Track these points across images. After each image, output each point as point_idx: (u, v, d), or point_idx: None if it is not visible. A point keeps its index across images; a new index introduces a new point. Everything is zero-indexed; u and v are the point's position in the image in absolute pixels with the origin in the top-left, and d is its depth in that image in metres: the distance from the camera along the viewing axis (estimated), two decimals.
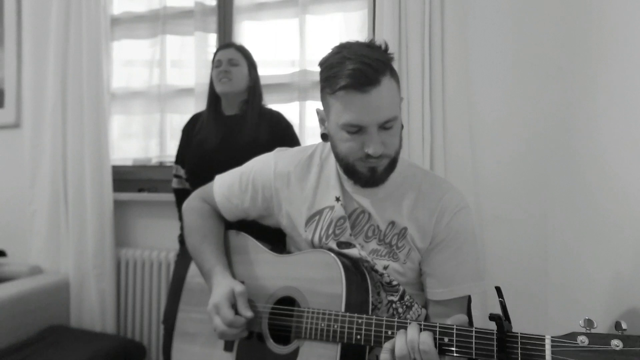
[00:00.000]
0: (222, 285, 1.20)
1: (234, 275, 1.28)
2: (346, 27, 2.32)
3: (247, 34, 2.43)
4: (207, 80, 2.03)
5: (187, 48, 2.53)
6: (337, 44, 1.14)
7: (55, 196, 2.46)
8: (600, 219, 1.39)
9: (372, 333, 1.05)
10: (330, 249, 1.21)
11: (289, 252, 1.35)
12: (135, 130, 2.67)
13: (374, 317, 1.06)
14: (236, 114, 1.93)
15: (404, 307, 1.21)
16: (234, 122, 1.90)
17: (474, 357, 0.93)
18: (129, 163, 2.63)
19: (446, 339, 0.96)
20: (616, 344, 0.80)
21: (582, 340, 0.83)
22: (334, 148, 1.18)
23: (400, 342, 0.96)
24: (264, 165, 1.35)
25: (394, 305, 1.21)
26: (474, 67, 1.98)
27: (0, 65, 2.75)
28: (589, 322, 0.83)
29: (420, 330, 0.97)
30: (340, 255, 1.18)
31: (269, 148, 1.41)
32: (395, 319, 1.04)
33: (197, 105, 2.36)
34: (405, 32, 1.96)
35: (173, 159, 2.11)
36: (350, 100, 1.06)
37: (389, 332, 1.03)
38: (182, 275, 1.48)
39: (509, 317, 0.92)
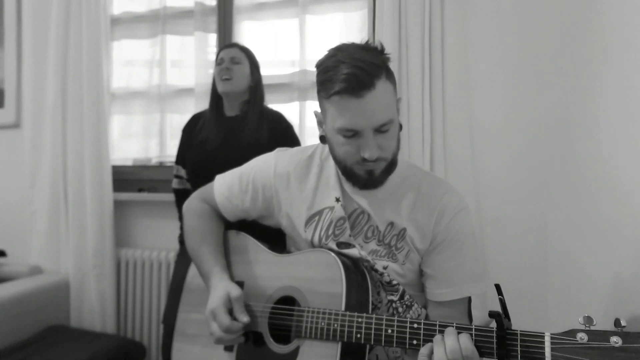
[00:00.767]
0: (219, 289, 1.20)
1: (233, 276, 1.28)
2: (346, 27, 2.32)
3: (247, 34, 2.43)
4: (207, 80, 2.03)
5: (187, 48, 2.53)
6: (333, 46, 1.13)
7: (55, 196, 2.46)
8: (600, 219, 1.39)
9: (372, 332, 1.05)
10: (330, 249, 1.21)
11: (289, 252, 1.35)
12: (135, 130, 2.67)
13: (374, 315, 1.06)
14: (237, 114, 1.93)
15: (404, 306, 1.21)
16: (235, 123, 1.90)
17: None
18: (129, 163, 2.63)
19: None
20: (615, 340, 0.80)
21: (582, 337, 0.83)
22: (331, 151, 1.18)
23: (439, 352, 0.93)
24: (264, 166, 1.35)
25: (394, 305, 1.21)
26: (474, 67, 1.98)
27: (0, 65, 2.75)
28: (589, 319, 0.83)
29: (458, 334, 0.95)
30: (340, 254, 1.18)
31: (269, 149, 1.41)
32: (396, 318, 1.04)
33: (197, 105, 2.36)
34: (405, 32, 1.96)
35: (173, 159, 2.11)
36: (345, 105, 1.06)
37: (389, 331, 1.03)
38: (182, 275, 1.48)
39: (509, 314, 0.92)
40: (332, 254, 1.16)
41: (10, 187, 2.72)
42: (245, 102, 1.93)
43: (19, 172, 2.62)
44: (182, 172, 2.03)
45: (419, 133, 1.94)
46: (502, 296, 0.93)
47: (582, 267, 1.52)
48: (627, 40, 1.26)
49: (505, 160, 1.96)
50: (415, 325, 1.01)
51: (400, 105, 1.19)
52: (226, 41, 2.39)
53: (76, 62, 2.42)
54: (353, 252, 1.20)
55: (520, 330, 0.89)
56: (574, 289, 1.61)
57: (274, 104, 2.10)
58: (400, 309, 1.21)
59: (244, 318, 1.17)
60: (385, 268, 1.20)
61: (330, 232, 1.23)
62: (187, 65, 2.53)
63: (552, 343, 0.85)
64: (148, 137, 2.63)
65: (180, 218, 1.83)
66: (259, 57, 2.00)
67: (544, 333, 0.87)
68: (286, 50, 2.37)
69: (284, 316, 1.20)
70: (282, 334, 1.19)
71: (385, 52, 1.13)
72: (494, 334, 0.91)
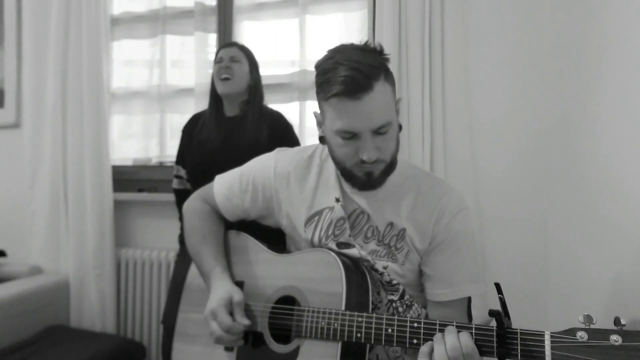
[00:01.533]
0: (220, 290, 1.20)
1: (234, 275, 1.28)
2: (346, 27, 2.32)
3: (247, 34, 2.43)
4: (207, 80, 2.03)
5: (187, 48, 2.53)
6: (332, 47, 1.13)
7: (55, 196, 2.46)
8: (600, 219, 1.39)
9: (373, 331, 1.05)
10: (330, 249, 1.21)
11: (289, 252, 1.35)
12: (135, 130, 2.67)
13: (374, 315, 1.06)
14: (237, 114, 1.93)
15: (404, 306, 1.21)
16: (235, 123, 1.90)
17: None
18: (129, 163, 2.63)
19: None
20: (615, 339, 0.80)
21: (582, 335, 0.83)
22: (330, 152, 1.18)
23: (440, 350, 0.93)
24: (264, 166, 1.35)
25: (394, 305, 1.21)
26: (474, 67, 1.98)
27: (0, 65, 2.75)
28: (588, 318, 0.83)
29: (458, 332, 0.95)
30: (340, 254, 1.18)
31: (269, 149, 1.42)
32: (396, 317, 1.04)
33: (197, 105, 2.36)
34: (405, 32, 1.96)
35: (173, 159, 2.11)
36: (343, 107, 1.06)
37: (389, 330, 1.03)
38: (182, 275, 1.48)
39: (509, 313, 0.92)
40: (332, 254, 1.17)
41: (10, 187, 2.71)
42: (244, 102, 1.93)
43: (19, 172, 2.61)
44: (182, 172, 2.03)
45: (419, 133, 1.94)
46: (502, 295, 0.93)
47: (582, 267, 1.52)
48: (627, 40, 1.26)
49: (505, 160, 1.96)
50: (416, 325, 1.01)
51: (400, 105, 1.19)
52: (226, 41, 2.38)
53: (76, 62, 2.42)
54: (353, 252, 1.20)
55: (521, 329, 0.89)
56: (574, 289, 1.61)
57: (274, 104, 2.10)
58: (400, 309, 1.21)
59: (245, 321, 1.17)
60: (385, 268, 1.20)
61: (330, 232, 1.24)
62: (187, 65, 2.53)
63: (552, 341, 0.85)
64: (148, 137, 2.62)
65: (181, 218, 1.83)
66: (259, 57, 2.00)
67: (544, 332, 0.87)
68: (286, 50, 2.37)
69: (284, 316, 1.20)
70: (283, 334, 1.19)
71: (385, 53, 1.13)
72: (494, 333, 0.91)
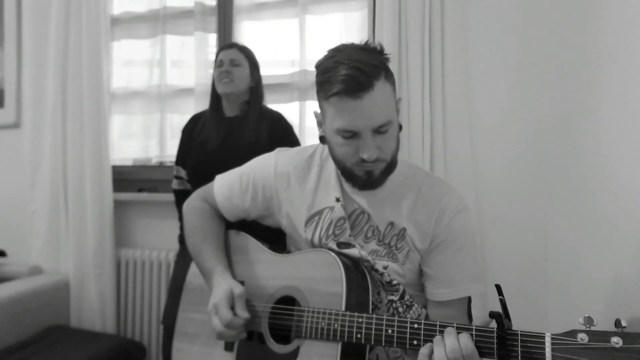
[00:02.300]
0: (222, 286, 1.20)
1: (234, 276, 1.28)
2: (346, 27, 2.32)
3: (247, 34, 2.43)
4: (207, 81, 2.03)
5: (187, 48, 2.53)
6: (333, 46, 1.13)
7: (55, 196, 2.46)
8: (600, 219, 1.39)
9: (373, 332, 1.05)
10: (331, 249, 1.21)
11: (289, 252, 1.35)
12: (135, 130, 2.67)
13: (374, 315, 1.06)
14: (237, 115, 1.93)
15: (404, 306, 1.21)
16: (235, 124, 1.90)
17: None
18: (129, 163, 2.63)
19: None
20: (616, 341, 0.80)
21: (582, 337, 0.83)
22: (331, 151, 1.18)
23: (439, 352, 0.93)
24: (265, 166, 1.35)
25: (394, 305, 1.21)
26: (474, 67, 1.98)
27: (0, 65, 2.75)
28: (589, 320, 0.83)
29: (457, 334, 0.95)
30: (340, 254, 1.18)
31: (269, 149, 1.42)
32: (396, 318, 1.04)
33: (197, 105, 2.36)
34: (405, 32, 1.96)
35: (173, 159, 2.11)
36: (343, 106, 1.06)
37: (389, 331, 1.03)
38: (182, 275, 1.48)
39: (509, 314, 0.92)
40: (332, 254, 1.16)
41: (10, 187, 2.71)
42: (245, 102, 1.93)
43: (19, 172, 2.61)
44: (183, 173, 2.03)
45: (419, 133, 1.94)
46: (503, 296, 0.93)
47: (582, 267, 1.52)
48: (627, 40, 1.26)
49: (506, 160, 1.96)
50: (416, 326, 1.01)
51: (400, 105, 1.19)
52: (226, 41, 2.39)
53: (76, 62, 2.42)
54: (353, 252, 1.20)
55: (521, 331, 0.89)
56: (574, 289, 1.61)
57: (274, 104, 2.10)
58: (400, 309, 1.21)
59: (244, 314, 1.17)
60: (385, 268, 1.20)
61: (330, 232, 1.24)
62: (187, 65, 2.53)
63: (552, 343, 0.85)
64: (148, 137, 2.62)
65: (180, 218, 1.83)
66: (259, 57, 2.00)
67: (544, 333, 0.87)
68: (286, 50, 2.37)
69: (284, 316, 1.20)
70: (283, 334, 1.19)
71: (385, 52, 1.13)
72: (495, 334, 0.91)
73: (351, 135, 1.09)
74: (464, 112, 1.95)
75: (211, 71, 1.96)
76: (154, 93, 2.56)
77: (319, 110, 1.19)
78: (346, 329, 1.07)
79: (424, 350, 0.96)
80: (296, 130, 1.99)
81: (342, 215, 1.23)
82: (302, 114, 2.28)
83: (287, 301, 1.22)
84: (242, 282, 1.28)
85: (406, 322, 1.02)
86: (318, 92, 1.13)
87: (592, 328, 0.83)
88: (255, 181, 1.34)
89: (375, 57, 1.09)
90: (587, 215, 1.50)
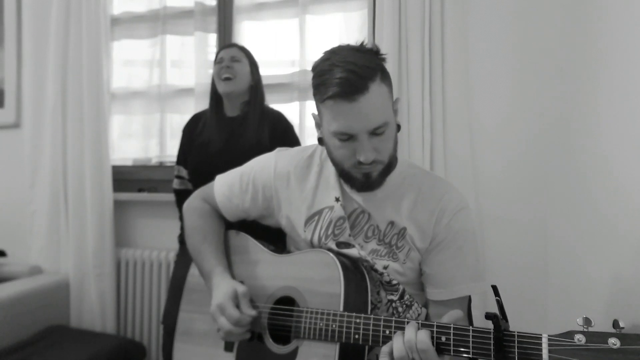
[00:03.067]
0: (224, 286, 1.20)
1: (233, 276, 1.28)
2: (346, 27, 2.32)
3: (247, 34, 2.43)
4: (207, 80, 2.03)
5: (187, 48, 2.53)
6: (329, 48, 1.13)
7: (55, 196, 2.46)
8: (600, 219, 1.39)
9: (370, 332, 1.05)
10: (330, 249, 1.21)
11: (288, 252, 1.35)
12: (135, 130, 2.67)
13: (372, 316, 1.06)
14: (238, 115, 1.93)
15: (404, 306, 1.21)
16: (236, 124, 1.90)
17: (471, 356, 0.93)
18: (129, 163, 2.63)
19: (443, 338, 0.95)
20: (613, 342, 0.79)
21: (580, 338, 0.82)
22: (329, 153, 1.19)
23: (398, 343, 0.96)
24: (265, 165, 1.35)
25: (393, 305, 1.21)
26: (474, 67, 1.98)
27: (0, 65, 2.75)
28: (587, 321, 0.83)
29: (418, 329, 0.97)
30: (339, 254, 1.18)
31: (270, 149, 1.42)
32: (393, 318, 1.04)
33: (197, 105, 2.36)
34: (405, 32, 1.95)
35: (173, 159, 2.11)
36: (339, 109, 1.06)
37: (387, 332, 1.03)
38: (182, 275, 1.48)
39: (506, 315, 0.91)
40: (331, 254, 1.16)
41: (10, 187, 2.72)
42: (245, 102, 1.93)
43: (19, 172, 2.62)
44: (183, 173, 2.02)
45: (419, 133, 1.94)
46: (500, 297, 0.93)
47: (582, 267, 1.52)
48: (627, 40, 1.26)
49: (506, 160, 1.96)
50: None
51: (400, 105, 1.19)
52: (226, 41, 2.39)
53: (76, 62, 2.42)
54: (352, 252, 1.20)
55: (518, 332, 0.89)
56: (573, 289, 1.61)
57: (274, 104, 2.10)
58: (400, 309, 1.21)
59: (252, 311, 1.17)
60: (385, 268, 1.20)
61: (329, 231, 1.23)
62: (187, 65, 2.53)
63: (549, 345, 0.85)
64: (148, 137, 2.63)
65: (181, 218, 1.83)
66: (259, 57, 1.99)
67: (541, 334, 0.87)
68: (286, 50, 2.37)
69: (283, 316, 1.20)
70: (282, 334, 1.19)
71: (381, 53, 1.13)
72: (492, 336, 0.91)
73: (347, 137, 1.09)
74: (464, 112, 1.95)
75: (211, 71, 1.96)
76: (154, 93, 2.56)
77: (316, 112, 1.19)
78: (344, 329, 1.07)
79: (385, 349, 0.98)
80: (296, 130, 1.99)
81: (341, 215, 1.23)
82: (302, 114, 2.28)
83: (286, 301, 1.22)
84: (241, 283, 1.28)
85: (403, 322, 1.02)
86: (314, 95, 1.13)
87: (590, 329, 0.83)
88: (256, 181, 1.34)
89: (371, 58, 1.09)
90: (587, 215, 1.50)
